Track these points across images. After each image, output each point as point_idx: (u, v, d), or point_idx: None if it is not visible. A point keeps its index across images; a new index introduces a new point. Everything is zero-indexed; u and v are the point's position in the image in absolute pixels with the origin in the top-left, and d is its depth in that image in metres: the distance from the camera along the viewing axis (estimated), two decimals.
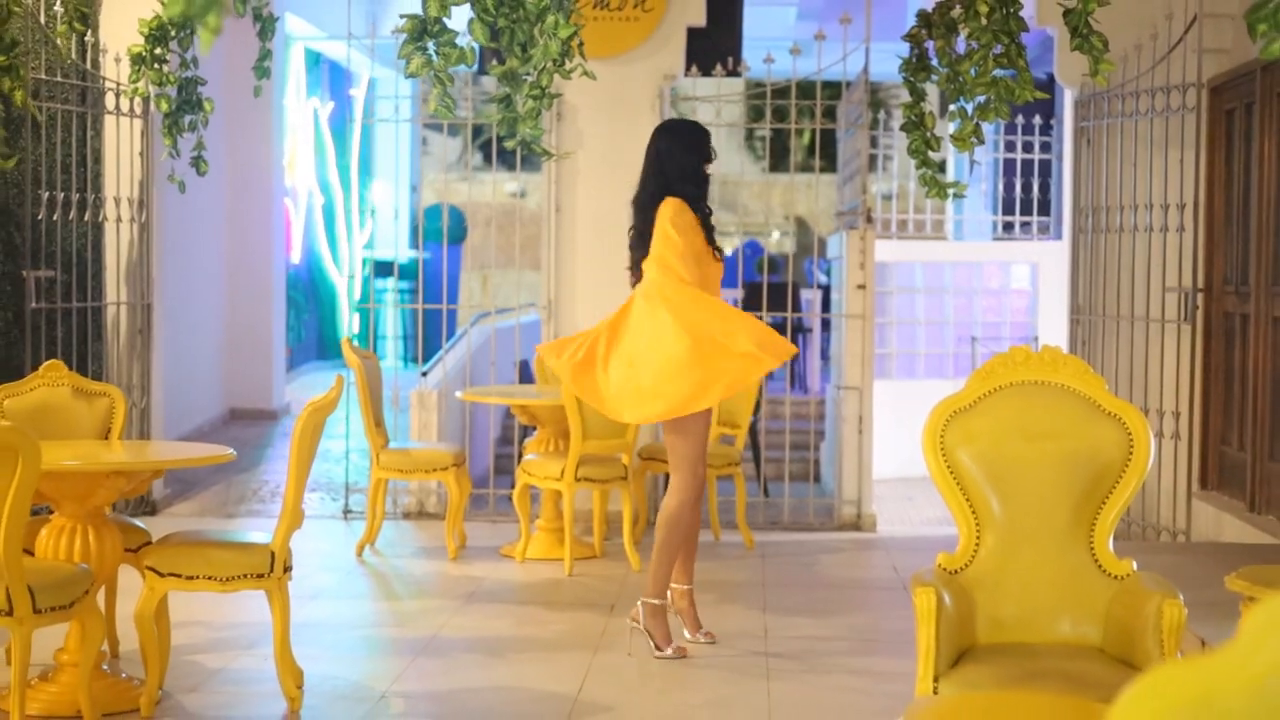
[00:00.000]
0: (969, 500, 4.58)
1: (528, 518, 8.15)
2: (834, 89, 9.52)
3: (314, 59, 16.43)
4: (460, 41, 5.19)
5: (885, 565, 8.30)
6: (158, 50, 8.09)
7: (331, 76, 17.18)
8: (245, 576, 5.30)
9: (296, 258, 15.92)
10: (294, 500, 5.37)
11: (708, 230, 6.18)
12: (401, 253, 16.60)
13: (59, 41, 8.49)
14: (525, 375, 10.98)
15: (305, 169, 16.24)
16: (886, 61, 10.69)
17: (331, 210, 17.29)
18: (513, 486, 9.34)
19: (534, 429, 8.75)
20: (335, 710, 5.40)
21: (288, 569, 5.39)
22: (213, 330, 12.87)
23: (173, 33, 8.07)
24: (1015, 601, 4.55)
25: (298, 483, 5.37)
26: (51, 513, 5.49)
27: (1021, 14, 6.41)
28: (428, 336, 10.37)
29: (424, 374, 9.74)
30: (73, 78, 8.79)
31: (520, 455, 8.75)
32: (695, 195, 6.16)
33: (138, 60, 8.10)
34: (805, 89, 9.25)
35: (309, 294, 16.66)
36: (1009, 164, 13.20)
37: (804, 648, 6.37)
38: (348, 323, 17.54)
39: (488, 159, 21.22)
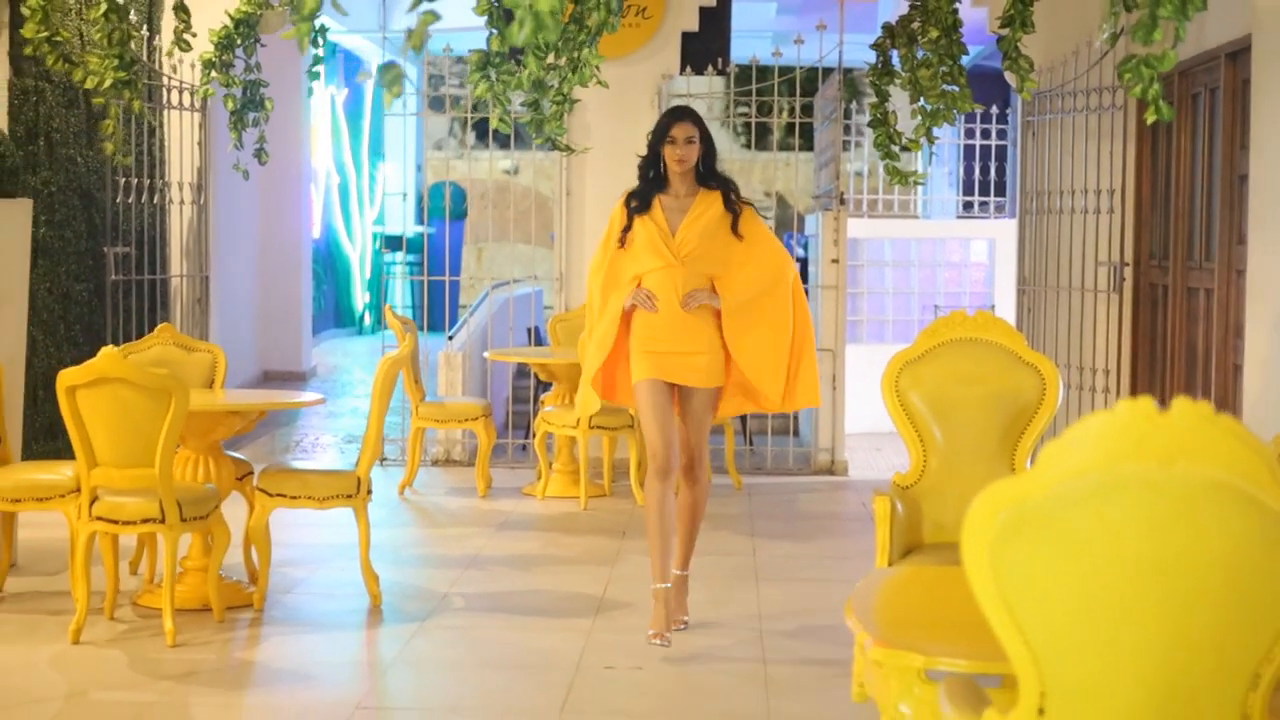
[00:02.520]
0: (917, 431, 5.87)
1: (547, 461, 9.42)
2: (812, 71, 10.71)
3: (331, 49, 17.62)
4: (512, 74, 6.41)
5: (855, 502, 9.59)
6: (225, 56, 9.29)
7: (346, 64, 18.40)
8: (337, 497, 6.56)
9: (316, 233, 17.15)
10: (375, 435, 6.64)
11: (631, 213, 6.13)
12: (408, 228, 17.79)
13: (167, 54, 9.55)
14: (533, 339, 12.28)
15: (323, 151, 17.46)
16: (861, 51, 11.95)
17: (346, 189, 18.53)
18: (526, 438, 10.66)
19: (550, 385, 10.01)
20: (409, 606, 6.67)
21: (369, 491, 6.65)
22: (248, 300, 14.09)
23: (238, 41, 9.27)
24: (953, 509, 5.83)
25: (378, 420, 6.64)
26: (177, 447, 6.73)
27: (964, 40, 7.68)
28: (435, 305, 11.59)
29: (450, 338, 10.99)
30: (142, 77, 9.99)
31: (537, 409, 10.02)
32: (641, 181, 6.20)
33: (208, 65, 9.30)
34: (786, 74, 10.50)
35: (327, 266, 17.91)
36: (969, 149, 14.47)
37: (786, 561, 7.68)
38: (361, 294, 18.77)
39: (481, 137, 22.41)
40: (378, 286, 19.57)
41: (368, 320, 19.45)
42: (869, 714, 4.40)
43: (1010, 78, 10.23)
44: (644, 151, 6.22)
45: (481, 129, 22.93)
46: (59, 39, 7.25)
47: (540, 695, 5.38)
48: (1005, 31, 7.22)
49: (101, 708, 5.24)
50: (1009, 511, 2.89)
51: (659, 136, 6.10)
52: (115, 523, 6.02)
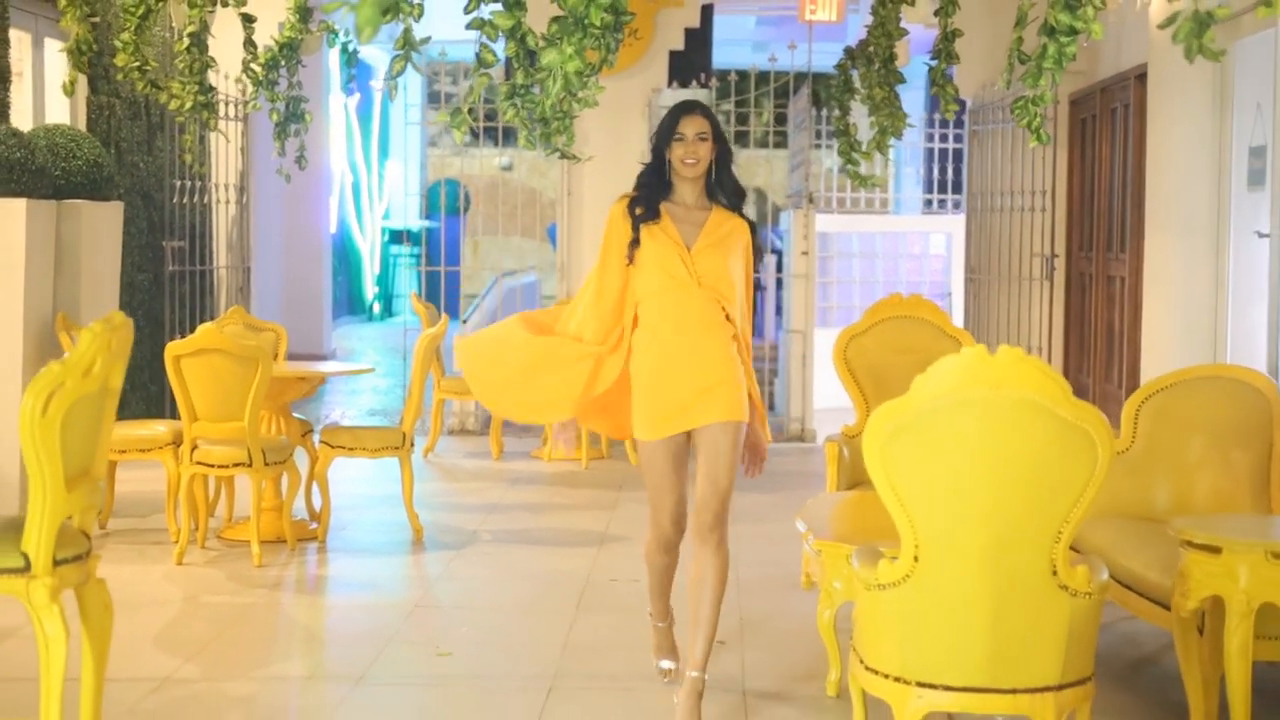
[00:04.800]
0: (861, 390, 7.28)
1: (552, 427, 10.81)
2: (786, 75, 12.09)
3: (346, 59, 19.02)
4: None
5: (821, 464, 10.96)
6: (270, 75, 10.63)
7: (358, 71, 19.81)
8: (386, 448, 7.94)
9: (331, 228, 18.56)
10: (416, 398, 8.03)
11: (637, 221, 5.19)
12: (414, 222, 19.20)
13: (235, 80, 10.90)
14: None
15: (338, 152, 18.86)
16: (832, 57, 13.34)
17: (358, 187, 19.93)
18: None
19: None
20: (445, 538, 8.07)
21: (412, 444, 8.04)
22: (276, 288, 15.48)
23: (282, 62, 10.62)
24: None
25: (419, 385, 8.02)
26: None
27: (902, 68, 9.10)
28: (437, 294, 12.92)
29: (464, 322, 12.38)
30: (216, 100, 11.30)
31: None
32: (641, 187, 5.29)
33: (257, 83, 10.64)
34: (762, 84, 11.92)
35: (341, 258, 19.32)
36: (929, 152, 15.85)
37: (758, 509, 9.09)
38: (371, 284, 20.18)
39: (476, 135, 23.74)
40: (386, 278, 20.97)
41: (377, 309, 20.87)
42: (813, 598, 5.78)
43: (959, 89, 11.73)
44: (643, 159, 5.34)
45: (477, 128, 24.34)
46: (147, 68, 8.61)
47: (560, 598, 6.78)
48: (934, 63, 8.61)
49: (213, 607, 6.63)
50: (893, 421, 4.30)
51: (665, 135, 5.15)
52: (211, 466, 7.41)
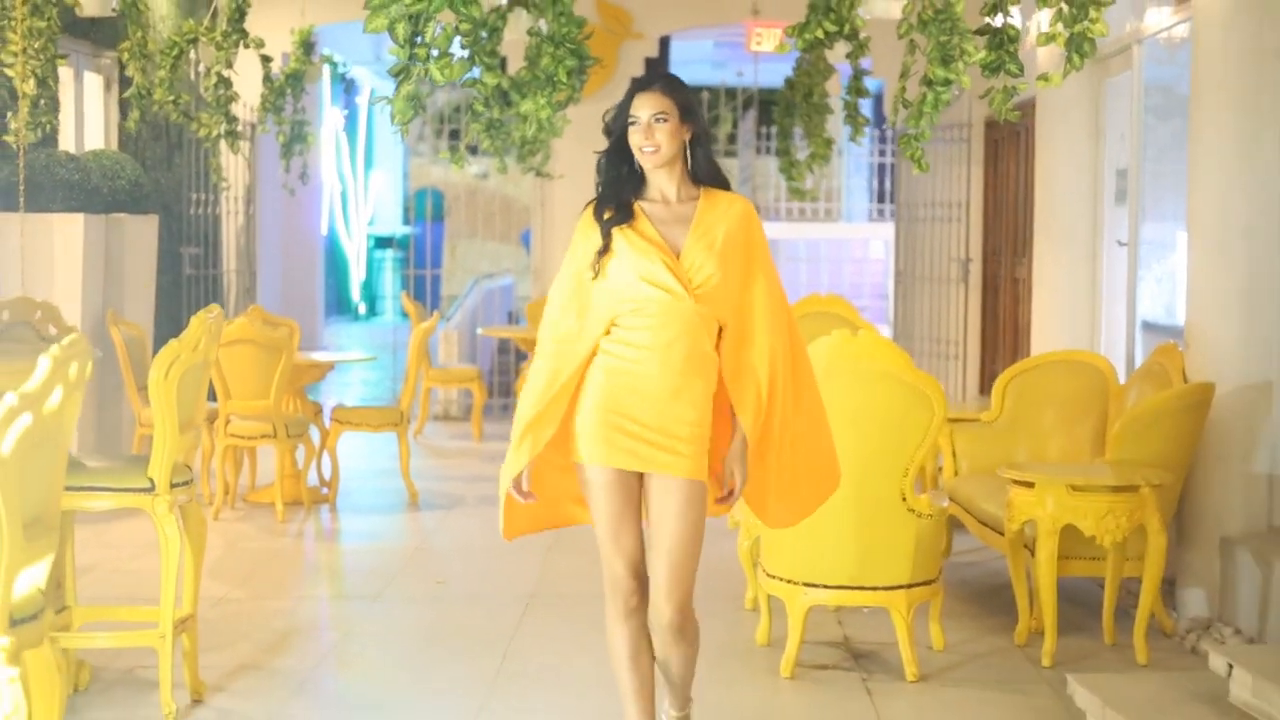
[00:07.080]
0: None
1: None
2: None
3: (339, 77, 20.48)
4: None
5: None
6: (278, 102, 12.06)
7: (350, 95, 21.27)
8: (386, 424, 9.38)
9: (323, 233, 20.00)
10: (412, 381, 9.47)
11: (607, 226, 4.32)
12: (398, 228, 20.64)
13: (253, 111, 12.36)
14: (512, 319, 15.14)
15: (328, 163, 20.31)
16: (780, 77, 14.81)
17: (345, 195, 21.38)
18: (506, 398, 13.50)
19: (529, 355, 12.86)
20: (437, 502, 9.51)
21: (409, 421, 9.48)
22: (274, 289, 16.87)
23: (288, 90, 12.05)
24: None
25: (414, 371, 9.47)
26: None
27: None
28: (420, 294, 14.36)
29: (447, 319, 13.83)
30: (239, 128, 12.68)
31: (518, 375, 12.86)
32: (604, 184, 4.43)
33: (265, 108, 12.08)
34: (715, 97, 13.42)
35: (329, 262, 20.76)
36: (870, 165, 17.39)
37: None
38: (358, 287, 21.63)
39: (453, 146, 25.24)
40: (371, 281, 22.43)
41: (362, 309, 22.33)
42: (736, 535, 7.22)
43: (886, 112, 13.20)
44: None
45: (454, 138, 25.84)
46: (180, 101, 10.03)
47: (535, 543, 8.16)
48: (848, 97, 10.09)
49: (251, 551, 8.06)
50: None
51: (623, 119, 4.32)
52: (242, 438, 8.84)
